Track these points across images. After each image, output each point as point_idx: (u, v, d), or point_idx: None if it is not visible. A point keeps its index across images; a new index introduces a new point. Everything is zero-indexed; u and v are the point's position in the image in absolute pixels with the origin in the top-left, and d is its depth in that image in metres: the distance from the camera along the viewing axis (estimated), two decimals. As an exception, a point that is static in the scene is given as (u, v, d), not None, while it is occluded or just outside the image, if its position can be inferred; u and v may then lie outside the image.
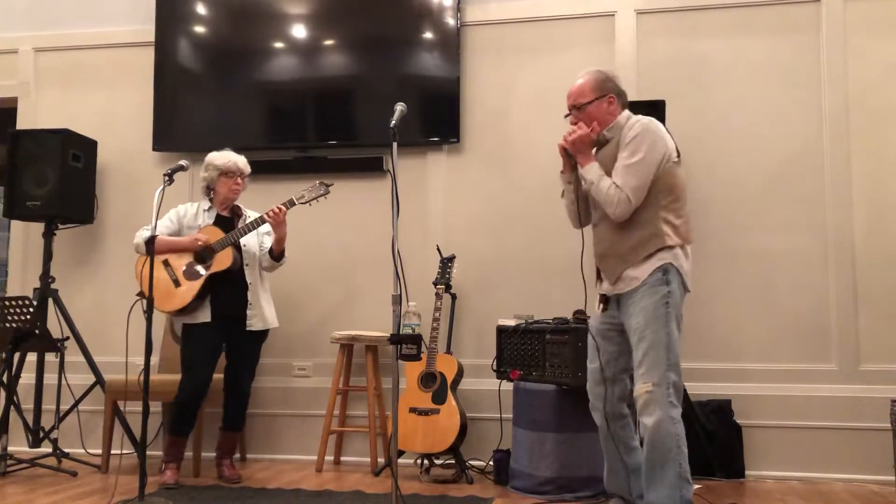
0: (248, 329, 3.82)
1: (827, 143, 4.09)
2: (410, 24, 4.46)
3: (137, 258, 3.79)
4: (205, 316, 3.75)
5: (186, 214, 3.90)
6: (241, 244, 3.85)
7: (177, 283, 3.74)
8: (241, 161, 3.92)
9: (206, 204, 3.93)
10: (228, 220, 3.92)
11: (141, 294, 3.75)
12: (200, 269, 3.76)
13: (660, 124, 2.82)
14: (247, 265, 3.86)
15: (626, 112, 2.91)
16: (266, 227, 3.95)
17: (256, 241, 3.93)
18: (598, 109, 2.88)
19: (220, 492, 3.54)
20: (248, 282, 3.85)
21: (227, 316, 3.79)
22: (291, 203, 3.81)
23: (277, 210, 3.77)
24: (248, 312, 3.82)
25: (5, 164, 4.36)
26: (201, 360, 3.74)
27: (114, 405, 4.09)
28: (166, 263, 3.76)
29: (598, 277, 2.96)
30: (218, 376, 3.93)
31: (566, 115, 2.97)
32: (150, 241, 3.28)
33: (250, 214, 3.97)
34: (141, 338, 3.24)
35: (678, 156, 2.82)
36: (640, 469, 2.79)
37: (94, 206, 4.65)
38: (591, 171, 2.83)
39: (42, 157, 4.33)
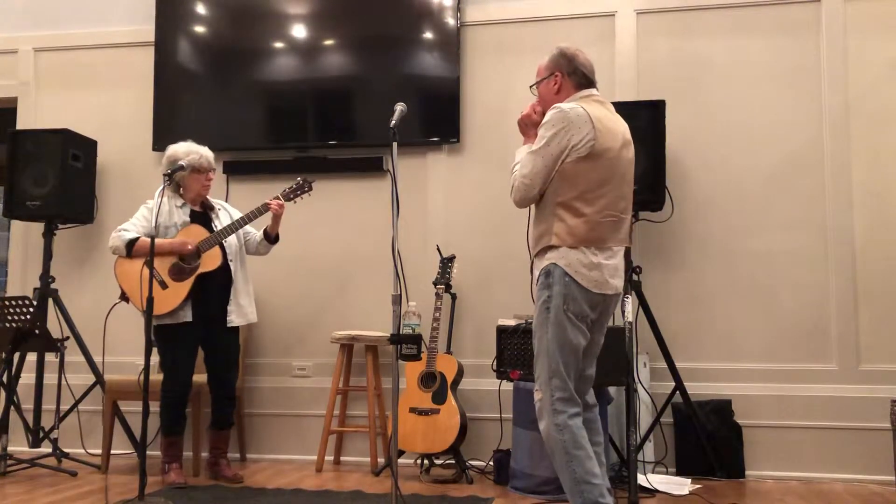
0: (227, 325, 3.78)
1: (827, 143, 4.09)
2: (410, 24, 4.46)
3: (116, 259, 3.75)
4: (186, 316, 3.70)
5: (161, 213, 3.76)
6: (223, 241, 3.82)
7: (163, 285, 3.68)
8: (210, 155, 3.86)
9: (179, 200, 3.83)
10: (204, 216, 3.86)
11: (123, 296, 3.72)
12: (187, 269, 3.71)
13: (579, 113, 2.59)
14: (231, 261, 3.82)
15: (578, 94, 2.72)
16: None
17: (236, 235, 3.87)
18: (545, 89, 2.79)
19: (220, 492, 3.54)
20: (233, 278, 3.82)
21: (209, 314, 3.75)
22: (283, 197, 3.87)
23: (279, 205, 3.82)
24: (229, 308, 3.79)
25: (5, 164, 4.36)
26: (184, 360, 3.73)
27: (114, 405, 4.09)
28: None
29: None
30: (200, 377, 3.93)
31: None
32: (149, 244, 3.24)
33: (218, 204, 3.94)
34: (137, 339, 3.25)
35: (592, 146, 2.57)
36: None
37: (94, 206, 4.65)
38: (519, 151, 2.79)
39: (42, 157, 4.32)
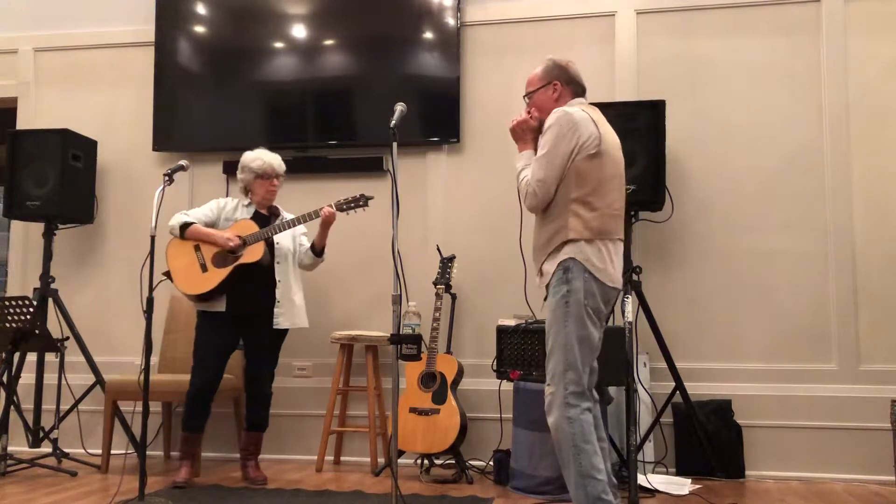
0: (274, 327, 3.79)
1: (827, 143, 4.09)
2: (410, 24, 4.46)
3: (170, 240, 3.83)
4: (219, 305, 3.73)
5: (226, 207, 3.90)
6: (274, 241, 3.83)
7: (204, 268, 3.73)
8: (275, 162, 3.91)
9: (246, 200, 3.93)
10: (266, 218, 3.92)
11: (167, 274, 3.78)
12: (230, 258, 3.75)
13: (582, 115, 2.69)
14: (278, 262, 3.83)
15: (573, 101, 2.84)
16: (301, 228, 3.97)
17: (291, 240, 3.92)
18: (543, 97, 2.87)
19: (221, 492, 3.54)
20: (278, 279, 3.81)
21: (244, 311, 3.76)
22: (336, 207, 3.86)
23: (330, 212, 3.81)
24: (276, 310, 3.79)
25: (5, 164, 4.36)
26: (213, 352, 3.73)
27: (114, 405, 4.09)
28: (196, 247, 3.78)
29: None
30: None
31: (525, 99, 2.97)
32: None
33: (286, 215, 3.97)
34: (137, 338, 3.25)
35: (598, 145, 2.66)
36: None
37: (94, 206, 4.65)
38: (520, 158, 2.84)
39: (42, 157, 4.32)
